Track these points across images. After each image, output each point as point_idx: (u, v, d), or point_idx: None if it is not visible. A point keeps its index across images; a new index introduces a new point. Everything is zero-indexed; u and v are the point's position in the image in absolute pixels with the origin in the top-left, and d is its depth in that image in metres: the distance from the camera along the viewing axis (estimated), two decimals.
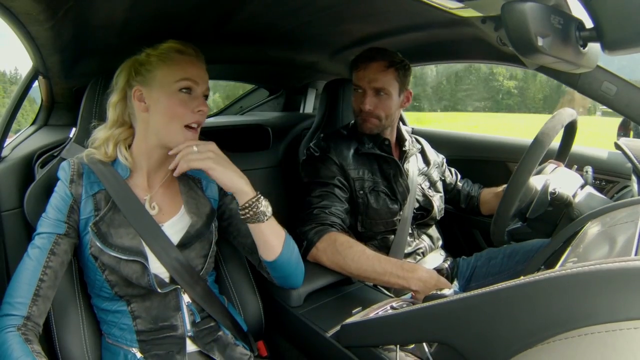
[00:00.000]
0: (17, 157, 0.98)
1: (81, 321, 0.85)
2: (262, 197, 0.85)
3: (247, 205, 0.83)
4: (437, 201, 1.32)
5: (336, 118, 1.48)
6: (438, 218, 1.33)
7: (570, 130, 1.13)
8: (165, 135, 0.82)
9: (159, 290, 0.81)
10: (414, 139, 1.39)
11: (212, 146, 0.82)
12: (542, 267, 0.89)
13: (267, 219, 0.85)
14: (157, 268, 0.83)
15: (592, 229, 0.77)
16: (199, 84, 0.82)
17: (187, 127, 0.82)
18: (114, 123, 0.85)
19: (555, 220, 0.99)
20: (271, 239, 0.87)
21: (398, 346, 0.72)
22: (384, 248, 1.21)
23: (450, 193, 1.45)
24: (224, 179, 0.81)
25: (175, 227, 0.87)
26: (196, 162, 0.80)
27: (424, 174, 1.34)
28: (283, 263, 0.89)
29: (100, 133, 0.85)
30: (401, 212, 1.22)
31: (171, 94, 0.80)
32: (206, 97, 0.86)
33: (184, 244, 0.86)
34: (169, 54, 0.81)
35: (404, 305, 0.87)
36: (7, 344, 0.69)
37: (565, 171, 1.12)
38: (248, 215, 0.83)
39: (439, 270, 1.23)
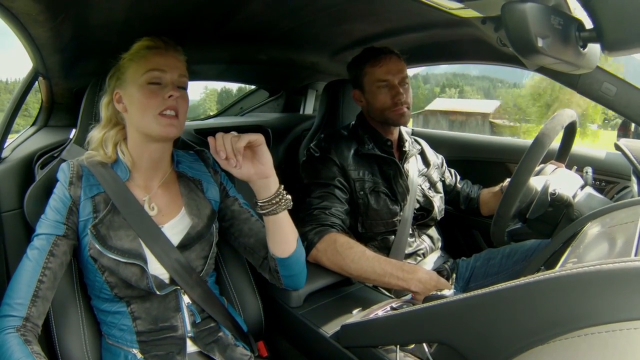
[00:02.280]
0: (17, 158, 0.98)
1: (81, 322, 0.85)
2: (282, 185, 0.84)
3: (278, 192, 0.82)
4: (438, 202, 1.32)
5: (336, 119, 1.48)
6: (438, 218, 1.33)
7: (570, 131, 1.13)
8: (143, 126, 0.82)
9: (157, 293, 0.81)
10: (413, 140, 1.39)
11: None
12: (542, 267, 0.89)
13: (291, 205, 0.85)
14: (156, 269, 0.83)
15: (592, 230, 0.77)
16: (166, 72, 0.82)
17: (161, 115, 0.81)
18: (108, 122, 0.86)
19: (556, 221, 0.99)
20: (290, 232, 0.87)
21: (398, 346, 0.72)
22: (385, 249, 1.21)
23: (450, 194, 1.45)
24: (267, 157, 0.80)
25: (176, 228, 0.87)
26: (245, 137, 0.75)
27: (424, 174, 1.34)
28: (295, 260, 0.90)
29: (95, 132, 0.87)
30: (401, 213, 1.22)
31: (140, 88, 0.81)
32: (184, 86, 0.85)
33: (184, 245, 0.86)
34: (139, 51, 0.83)
35: (404, 306, 0.87)
36: (6, 345, 0.69)
37: (565, 172, 1.12)
38: (281, 202, 0.82)
39: (439, 271, 1.23)
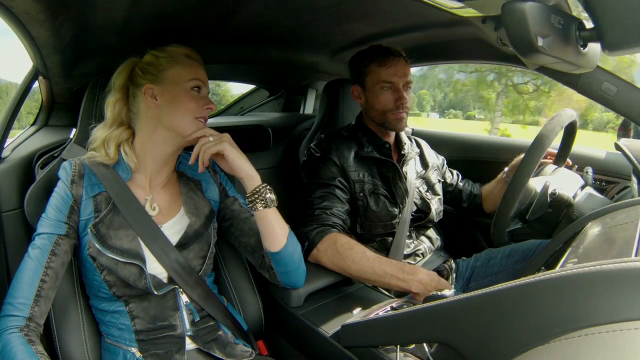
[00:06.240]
0: (17, 158, 0.98)
1: (81, 321, 0.85)
2: (268, 186, 0.89)
3: (256, 190, 0.87)
4: (435, 204, 1.31)
5: (336, 119, 1.48)
6: (436, 220, 1.32)
7: (570, 131, 1.12)
8: (178, 124, 0.86)
9: (155, 292, 0.81)
10: (413, 142, 1.39)
11: (226, 135, 0.88)
12: (543, 268, 0.89)
13: (274, 206, 0.89)
14: (155, 269, 0.83)
15: (593, 230, 0.77)
16: (205, 85, 0.89)
17: (196, 119, 0.87)
18: (114, 122, 0.86)
19: (556, 221, 0.99)
20: (277, 228, 0.89)
21: (398, 346, 0.72)
22: (383, 250, 1.21)
23: (452, 193, 1.45)
24: (237, 162, 0.86)
25: (174, 227, 0.88)
26: (214, 147, 0.84)
27: (422, 177, 1.33)
28: (287, 255, 0.91)
29: (98, 132, 0.86)
30: (400, 215, 1.22)
31: (185, 91, 0.85)
32: None
33: (182, 244, 0.86)
34: (179, 56, 0.87)
35: (404, 306, 0.87)
36: (10, 345, 0.69)
37: (566, 172, 1.12)
38: (257, 200, 0.87)
39: (439, 271, 1.23)
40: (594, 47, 0.75)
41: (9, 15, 0.73)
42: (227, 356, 0.87)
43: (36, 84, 1.09)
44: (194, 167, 0.95)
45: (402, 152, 1.29)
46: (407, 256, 1.23)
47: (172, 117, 0.85)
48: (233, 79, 2.01)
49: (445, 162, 1.47)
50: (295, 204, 1.22)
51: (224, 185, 0.98)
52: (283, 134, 1.60)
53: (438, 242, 1.35)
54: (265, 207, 0.87)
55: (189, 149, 1.01)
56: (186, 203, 0.90)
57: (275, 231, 0.89)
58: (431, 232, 1.34)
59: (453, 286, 1.23)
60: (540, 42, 0.62)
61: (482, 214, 1.46)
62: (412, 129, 1.89)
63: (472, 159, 1.66)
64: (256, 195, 0.87)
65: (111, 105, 0.86)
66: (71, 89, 1.12)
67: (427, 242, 1.30)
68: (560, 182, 1.01)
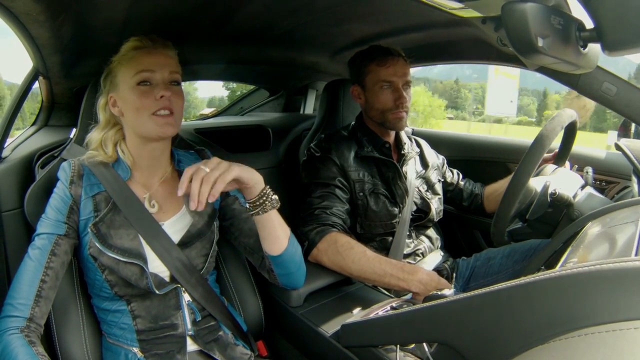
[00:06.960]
0: (17, 158, 0.98)
1: (81, 321, 0.85)
2: (269, 186, 0.85)
3: (263, 193, 0.82)
4: (435, 203, 1.31)
5: (336, 119, 1.48)
6: (436, 220, 1.32)
7: (570, 131, 1.12)
8: (138, 127, 0.83)
9: (157, 292, 0.81)
10: (413, 142, 1.39)
11: (215, 158, 0.78)
12: (543, 267, 0.89)
13: (278, 206, 0.85)
14: (157, 267, 0.83)
15: (593, 230, 0.77)
16: (155, 72, 0.81)
17: (156, 115, 0.81)
18: (107, 124, 0.87)
19: (556, 221, 0.99)
20: (279, 231, 0.87)
21: (398, 346, 0.72)
22: (383, 249, 1.21)
23: (452, 192, 1.45)
24: (247, 176, 0.78)
25: (176, 225, 0.87)
26: (228, 175, 0.74)
27: (422, 176, 1.33)
28: (288, 258, 0.90)
29: (94, 135, 0.87)
30: (400, 215, 1.22)
31: (132, 89, 0.81)
32: (177, 82, 0.84)
33: (185, 242, 0.86)
34: (127, 53, 0.82)
35: (404, 306, 0.87)
36: (10, 346, 0.69)
37: (566, 172, 1.12)
38: (265, 202, 0.82)
39: (438, 270, 1.23)
40: (594, 48, 0.75)
41: (9, 15, 0.73)
42: (227, 358, 0.87)
43: (36, 85, 1.09)
44: None
45: (402, 152, 1.29)
46: (407, 256, 1.23)
47: (132, 121, 0.82)
48: (233, 79, 2.01)
49: (445, 161, 1.47)
50: (295, 204, 1.22)
51: None
52: (283, 134, 1.60)
53: (438, 242, 1.35)
54: (271, 208, 0.84)
55: (185, 146, 1.02)
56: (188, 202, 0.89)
57: (277, 233, 0.87)
58: (431, 232, 1.34)
59: (453, 286, 1.23)
60: (540, 42, 0.62)
61: (482, 214, 1.46)
62: (412, 129, 1.89)
63: (472, 159, 1.66)
64: (264, 198, 0.82)
65: (102, 107, 0.86)
66: (71, 89, 1.13)
67: (427, 242, 1.30)
68: (560, 182, 1.02)
